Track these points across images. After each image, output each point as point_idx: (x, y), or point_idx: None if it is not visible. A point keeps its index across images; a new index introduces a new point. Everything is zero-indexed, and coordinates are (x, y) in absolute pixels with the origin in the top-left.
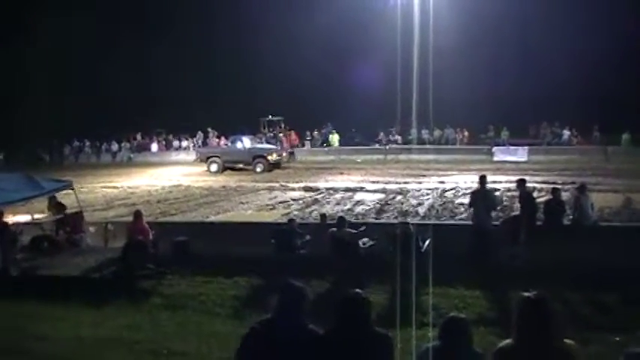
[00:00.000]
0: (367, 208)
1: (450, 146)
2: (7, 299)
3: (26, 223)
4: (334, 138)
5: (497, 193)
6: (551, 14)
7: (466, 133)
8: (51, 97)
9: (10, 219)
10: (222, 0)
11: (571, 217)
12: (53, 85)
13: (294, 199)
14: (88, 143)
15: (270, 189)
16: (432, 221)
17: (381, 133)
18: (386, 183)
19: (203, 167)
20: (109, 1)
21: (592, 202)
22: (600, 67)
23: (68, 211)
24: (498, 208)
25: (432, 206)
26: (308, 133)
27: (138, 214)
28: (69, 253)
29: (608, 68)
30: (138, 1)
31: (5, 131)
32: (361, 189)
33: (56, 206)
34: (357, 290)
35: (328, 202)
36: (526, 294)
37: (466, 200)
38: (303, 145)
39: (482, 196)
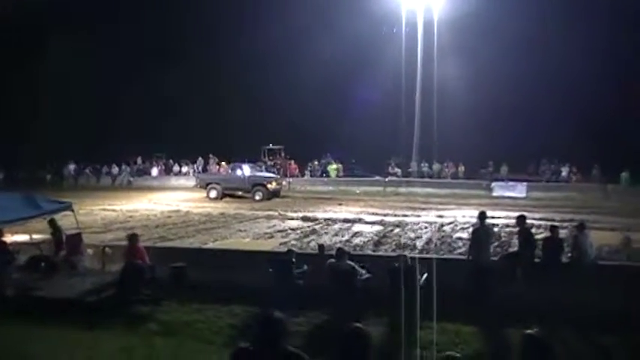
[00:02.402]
0: (365, 239)
1: (449, 180)
2: (2, 320)
3: (24, 243)
4: (332, 168)
5: (495, 229)
6: (554, 51)
7: (462, 168)
8: (53, 119)
9: (9, 238)
10: (226, 30)
11: (569, 255)
12: (55, 108)
13: (292, 229)
14: (73, 166)
15: (269, 217)
16: (430, 255)
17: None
18: (384, 215)
19: (202, 193)
20: (111, 32)
21: (591, 240)
22: (601, 106)
23: (67, 232)
24: (496, 244)
25: (429, 240)
26: (310, 163)
27: (133, 238)
28: (66, 275)
29: (609, 107)
30: (142, 32)
31: (6, 151)
32: (359, 220)
33: (54, 228)
34: (359, 324)
35: (326, 233)
36: (529, 331)
37: (464, 235)
38: (303, 175)
39: (483, 233)
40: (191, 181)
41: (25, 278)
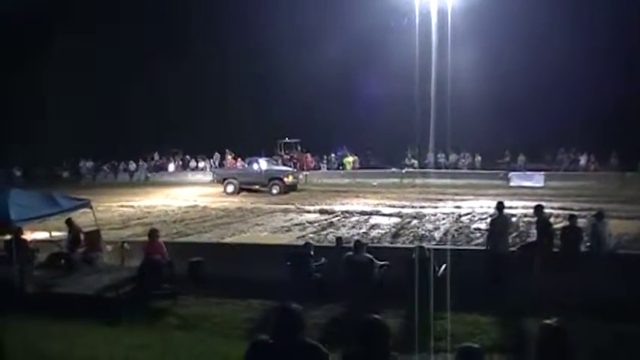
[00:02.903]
0: (383, 231)
1: (466, 171)
2: (23, 316)
3: (44, 241)
4: (348, 161)
5: (513, 219)
6: (573, 40)
7: (479, 158)
8: (69, 116)
9: (28, 236)
10: (241, 25)
11: (588, 244)
12: (72, 105)
13: (309, 222)
14: (91, 163)
15: (286, 211)
16: (448, 246)
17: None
18: (402, 207)
19: (219, 188)
20: (113, 27)
21: (609, 229)
22: (619, 94)
23: (86, 229)
24: (515, 234)
25: (447, 231)
26: (325, 156)
27: (153, 233)
28: (85, 272)
29: (628, 95)
30: (146, 30)
31: (23, 148)
32: (377, 212)
33: (70, 226)
34: (377, 316)
35: (344, 226)
36: (548, 321)
37: (482, 225)
38: (319, 168)
39: (501, 223)
40: (208, 177)
41: (45, 275)
